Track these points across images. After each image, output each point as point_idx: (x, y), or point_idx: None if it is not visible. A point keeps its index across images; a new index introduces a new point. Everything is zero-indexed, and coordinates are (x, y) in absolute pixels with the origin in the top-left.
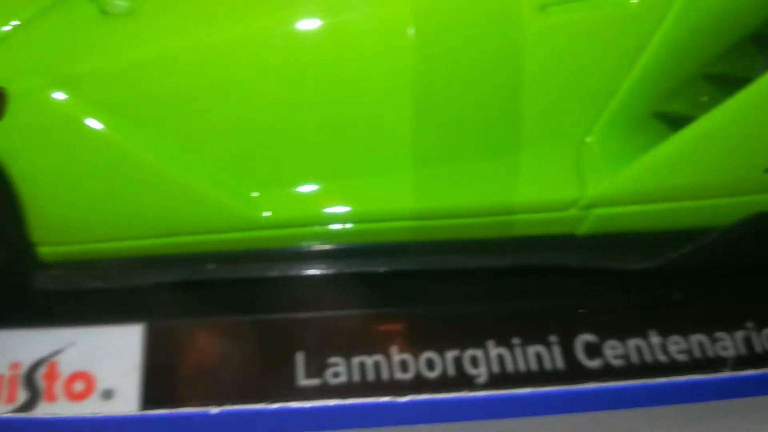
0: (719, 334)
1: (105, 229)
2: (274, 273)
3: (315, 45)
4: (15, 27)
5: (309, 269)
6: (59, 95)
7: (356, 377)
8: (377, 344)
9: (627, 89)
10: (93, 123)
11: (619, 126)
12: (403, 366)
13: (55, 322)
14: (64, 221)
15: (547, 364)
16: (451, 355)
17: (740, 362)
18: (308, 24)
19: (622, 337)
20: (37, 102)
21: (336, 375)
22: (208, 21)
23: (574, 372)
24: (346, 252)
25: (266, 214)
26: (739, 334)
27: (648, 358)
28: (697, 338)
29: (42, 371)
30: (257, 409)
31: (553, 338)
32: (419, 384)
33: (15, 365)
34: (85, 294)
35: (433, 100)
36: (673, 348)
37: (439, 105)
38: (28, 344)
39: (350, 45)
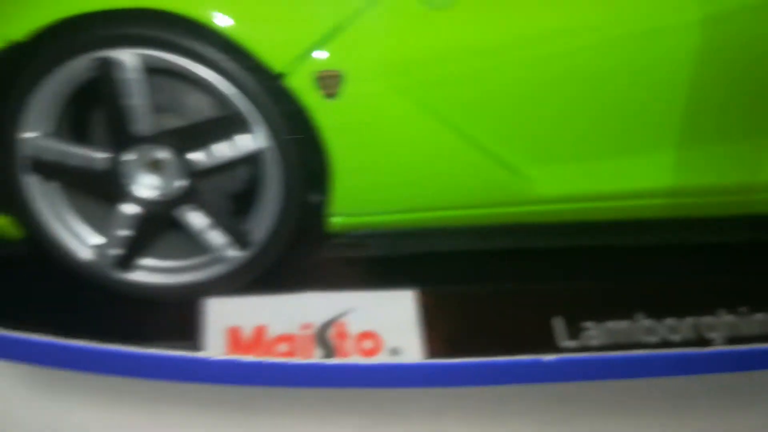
0: None
1: (391, 203)
2: (536, 245)
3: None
4: (347, 17)
5: (565, 242)
6: (385, 81)
7: (609, 340)
8: (625, 311)
9: None
10: (407, 108)
11: None
12: (649, 330)
13: (340, 286)
14: (360, 196)
15: None
16: (689, 321)
17: None
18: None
19: None
20: (368, 87)
21: (591, 338)
22: (526, 13)
23: None
24: (598, 227)
25: (540, 190)
26: None
27: None
28: None
29: (332, 331)
30: (533, 359)
31: None
32: (665, 346)
33: (306, 326)
34: (364, 261)
35: (705, 88)
36: None
37: (710, 93)
38: (317, 307)
39: (648, 36)
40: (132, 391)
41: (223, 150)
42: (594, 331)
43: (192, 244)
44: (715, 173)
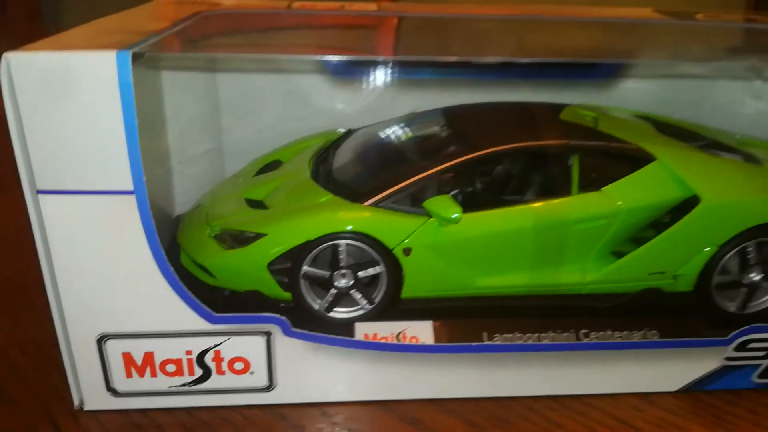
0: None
1: (419, 289)
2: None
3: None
4: (415, 227)
5: (487, 303)
6: (425, 248)
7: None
8: (510, 332)
9: (603, 242)
10: (432, 256)
11: (600, 253)
12: (523, 338)
13: (405, 318)
14: (411, 286)
15: None
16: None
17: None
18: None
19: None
20: (419, 252)
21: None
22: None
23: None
24: (507, 297)
25: (478, 284)
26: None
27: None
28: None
29: (403, 334)
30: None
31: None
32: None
33: (393, 331)
34: (414, 309)
35: (540, 248)
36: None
37: (541, 249)
38: (399, 325)
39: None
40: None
41: (370, 271)
42: (498, 339)
43: (352, 302)
44: (546, 277)
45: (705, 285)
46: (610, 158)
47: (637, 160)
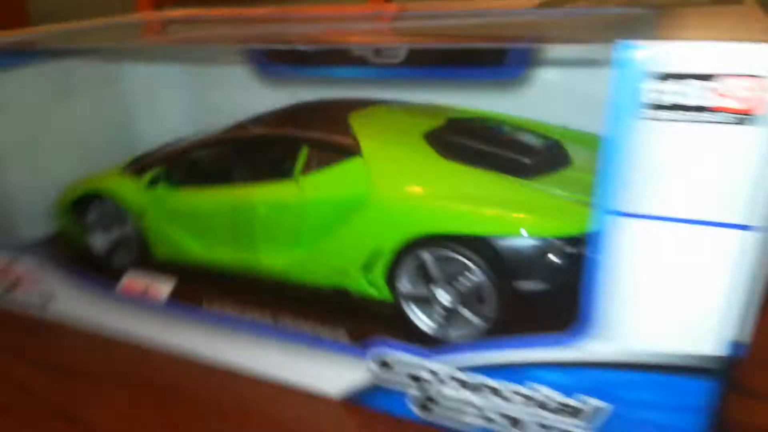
0: None
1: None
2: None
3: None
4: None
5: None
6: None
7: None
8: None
9: (295, 229)
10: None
11: (293, 240)
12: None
13: None
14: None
15: None
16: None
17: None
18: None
19: None
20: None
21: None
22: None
23: None
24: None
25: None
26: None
27: None
28: None
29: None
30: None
31: None
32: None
33: None
34: None
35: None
36: None
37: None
38: None
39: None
40: None
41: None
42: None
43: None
44: (246, 257)
45: (394, 295)
46: (325, 151)
47: (346, 155)
